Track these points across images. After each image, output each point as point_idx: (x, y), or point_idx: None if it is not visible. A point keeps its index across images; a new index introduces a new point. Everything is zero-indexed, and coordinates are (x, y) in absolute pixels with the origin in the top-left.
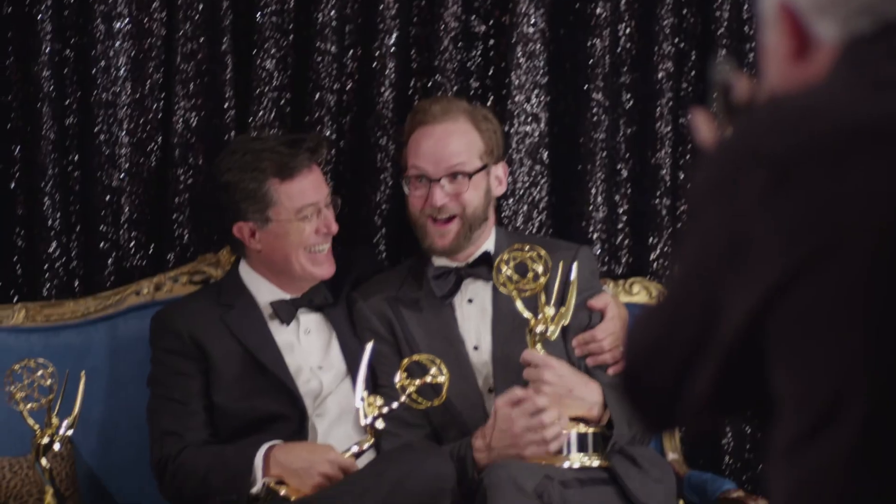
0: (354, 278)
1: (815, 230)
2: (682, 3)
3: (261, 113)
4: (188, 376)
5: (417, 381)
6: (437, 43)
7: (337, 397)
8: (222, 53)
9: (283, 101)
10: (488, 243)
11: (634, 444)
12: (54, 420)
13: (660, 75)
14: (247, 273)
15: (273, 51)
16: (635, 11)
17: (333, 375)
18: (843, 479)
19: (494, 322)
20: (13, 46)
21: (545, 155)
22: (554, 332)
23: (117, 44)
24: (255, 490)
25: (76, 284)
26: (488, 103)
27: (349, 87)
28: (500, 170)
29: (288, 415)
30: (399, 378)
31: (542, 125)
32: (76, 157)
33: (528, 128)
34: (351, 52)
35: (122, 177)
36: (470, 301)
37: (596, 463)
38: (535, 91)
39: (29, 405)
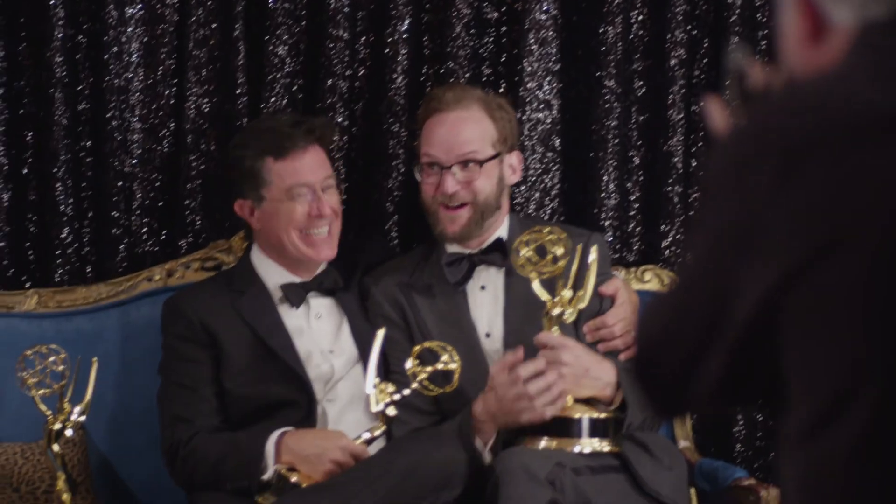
0: (366, 264)
1: (827, 218)
2: None
3: (273, 99)
4: (199, 362)
5: (429, 368)
6: (450, 29)
7: (347, 383)
8: (235, 39)
9: (295, 88)
10: (501, 230)
11: (645, 428)
12: (66, 406)
13: (672, 62)
14: (258, 257)
15: (285, 37)
16: None
17: (344, 360)
18: (854, 467)
19: (507, 309)
20: (26, 32)
21: (557, 142)
22: (572, 314)
23: (130, 29)
24: (266, 477)
25: (88, 270)
26: (500, 90)
27: (361, 73)
28: (513, 158)
29: (297, 400)
30: (410, 365)
31: (555, 112)
32: (88, 143)
33: (540, 115)
34: (363, 38)
35: (134, 163)
36: (483, 288)
37: (607, 448)
38: (548, 78)
39: (41, 391)
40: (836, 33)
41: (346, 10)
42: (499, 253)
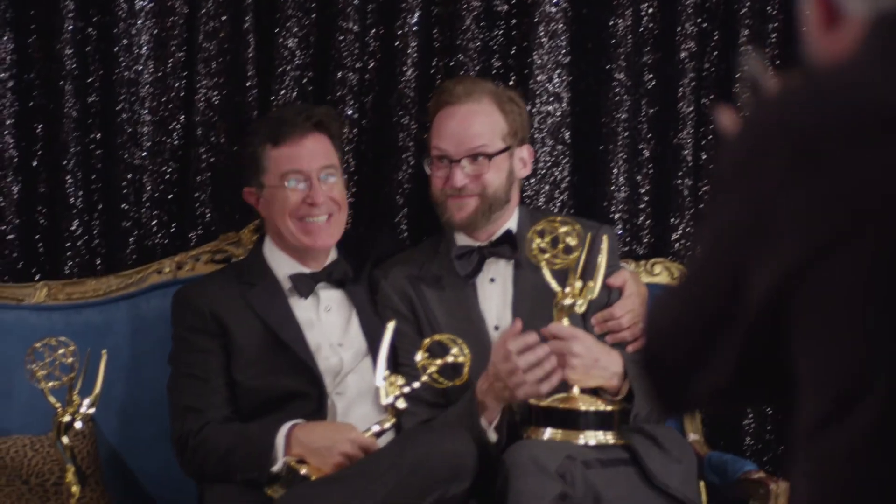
0: (376, 257)
1: (840, 210)
2: None
3: (283, 92)
4: (209, 353)
5: (439, 361)
6: (460, 22)
7: (357, 376)
8: (244, 32)
9: (305, 80)
10: (511, 222)
11: (651, 420)
12: (76, 398)
13: (682, 55)
14: (269, 248)
15: (295, 29)
16: None
17: (353, 353)
18: (862, 463)
19: (515, 302)
20: (36, 24)
21: (567, 135)
22: (582, 304)
23: (140, 22)
24: (275, 468)
25: (98, 263)
26: (510, 83)
27: (371, 66)
28: (524, 152)
29: (307, 393)
30: (420, 357)
31: (564, 105)
32: (98, 136)
33: (550, 107)
34: (373, 30)
35: (144, 155)
36: (492, 280)
37: (612, 440)
38: (558, 71)
39: (50, 383)
40: (849, 23)
41: (356, 2)
42: (508, 245)
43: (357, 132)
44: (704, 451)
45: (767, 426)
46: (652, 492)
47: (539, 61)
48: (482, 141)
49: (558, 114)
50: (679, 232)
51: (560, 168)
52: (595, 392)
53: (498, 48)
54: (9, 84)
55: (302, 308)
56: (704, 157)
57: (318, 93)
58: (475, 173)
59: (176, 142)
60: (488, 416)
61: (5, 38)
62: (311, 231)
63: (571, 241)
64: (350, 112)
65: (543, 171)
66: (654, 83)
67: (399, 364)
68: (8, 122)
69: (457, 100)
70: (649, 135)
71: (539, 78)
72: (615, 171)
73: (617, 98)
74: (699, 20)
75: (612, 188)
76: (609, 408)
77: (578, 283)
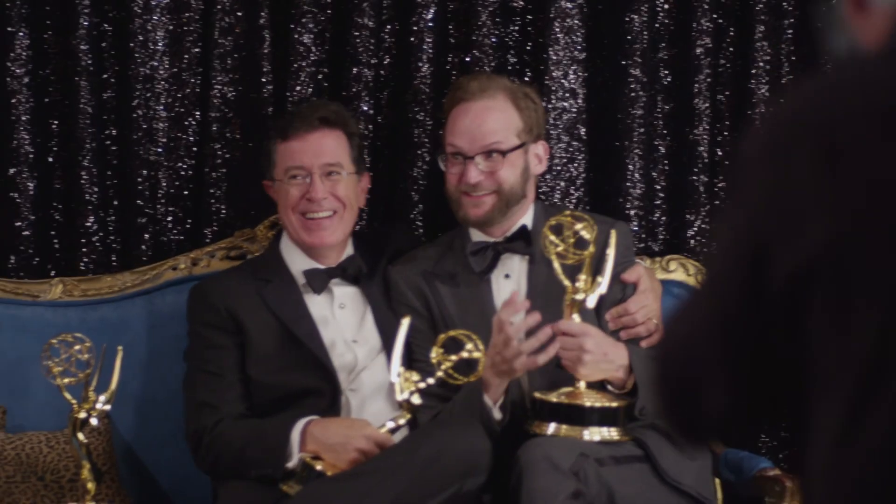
0: (391, 253)
1: (859, 202)
2: None
3: (298, 88)
4: (225, 349)
5: (453, 357)
6: (475, 18)
7: (371, 372)
8: (260, 28)
9: (320, 76)
10: (526, 218)
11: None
12: (91, 395)
13: (698, 51)
14: (285, 243)
15: (311, 25)
16: None
17: (368, 350)
18: (881, 462)
19: (528, 298)
20: (51, 20)
21: (582, 131)
22: (593, 299)
23: (155, 18)
24: (290, 465)
25: (113, 259)
26: (526, 79)
27: (387, 61)
28: (539, 148)
29: (321, 389)
30: (435, 353)
31: (580, 101)
32: (114, 132)
33: (565, 103)
34: (389, 26)
35: (159, 151)
36: (507, 276)
37: (616, 436)
38: (573, 66)
39: (66, 380)
40: (876, 14)
41: None
42: (522, 241)
43: (372, 128)
44: (720, 448)
45: (783, 423)
46: (665, 489)
47: (554, 57)
48: (496, 138)
49: (574, 110)
50: (694, 228)
51: (575, 164)
52: (601, 386)
53: (513, 44)
54: (24, 80)
55: (316, 304)
56: (720, 153)
57: (334, 89)
58: (489, 170)
59: (191, 138)
60: (492, 395)
61: (21, 34)
62: (310, 228)
63: (586, 235)
64: (365, 108)
65: (559, 168)
66: (669, 79)
67: (413, 360)
68: (23, 118)
69: (471, 96)
70: (665, 131)
71: (554, 74)
72: (630, 167)
73: (632, 94)
74: (715, 16)
75: (627, 184)
76: (615, 404)
77: (585, 277)
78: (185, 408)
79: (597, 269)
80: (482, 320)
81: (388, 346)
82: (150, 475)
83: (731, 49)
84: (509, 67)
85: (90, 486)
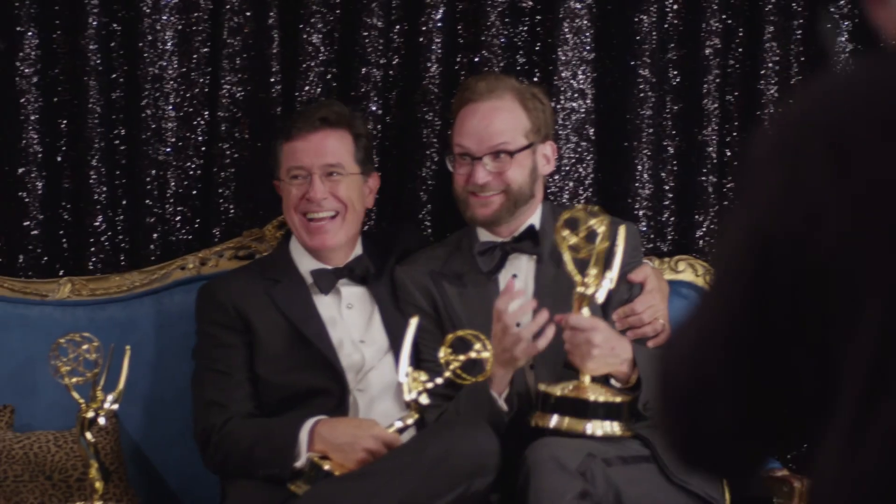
0: (399, 253)
1: (869, 202)
2: None
3: (307, 88)
4: (233, 348)
5: (462, 357)
6: (484, 18)
7: (379, 372)
8: (269, 27)
9: (329, 76)
10: (534, 218)
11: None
12: (99, 394)
13: (707, 51)
14: (293, 244)
15: (320, 25)
16: None
17: (375, 350)
18: (893, 455)
19: (536, 297)
20: (60, 20)
21: (591, 131)
22: (601, 293)
23: (164, 18)
24: (298, 464)
25: (122, 258)
26: (535, 79)
27: (395, 62)
28: (547, 148)
29: (329, 389)
30: (443, 353)
31: (589, 101)
32: (123, 131)
33: (574, 104)
34: (397, 27)
35: (168, 151)
36: (514, 276)
37: (619, 432)
38: (582, 67)
39: (74, 379)
40: (892, 9)
41: None
42: (530, 241)
43: (381, 128)
44: None
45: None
46: (673, 489)
47: (563, 58)
48: (504, 138)
49: (582, 110)
50: (703, 229)
51: (584, 165)
52: (605, 381)
53: (522, 44)
54: (33, 80)
55: (324, 305)
56: (729, 153)
57: (342, 89)
58: (497, 170)
59: (200, 138)
60: (497, 387)
61: (30, 33)
62: (312, 230)
63: (599, 228)
64: (374, 108)
65: (567, 168)
66: (678, 79)
67: (421, 360)
68: (32, 117)
69: (479, 97)
70: (673, 131)
71: (563, 74)
72: (639, 167)
73: (641, 94)
74: (724, 16)
75: (636, 185)
76: (618, 399)
77: (594, 272)
78: (193, 406)
79: (606, 265)
80: (490, 320)
81: (395, 347)
82: (158, 475)
83: (740, 50)
84: (518, 68)
85: (98, 485)
